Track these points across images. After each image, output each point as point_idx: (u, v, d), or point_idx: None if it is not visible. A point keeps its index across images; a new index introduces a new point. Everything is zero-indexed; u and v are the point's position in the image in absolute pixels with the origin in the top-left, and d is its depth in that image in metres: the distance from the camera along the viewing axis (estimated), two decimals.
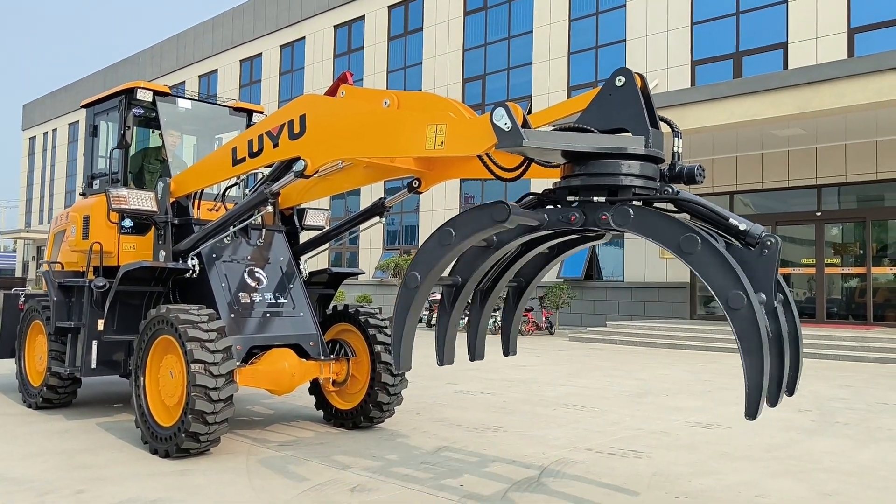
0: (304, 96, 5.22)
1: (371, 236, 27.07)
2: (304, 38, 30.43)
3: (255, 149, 5.41)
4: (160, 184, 6.24)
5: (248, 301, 6.06)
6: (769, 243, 3.50)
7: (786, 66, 17.65)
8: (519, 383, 9.43)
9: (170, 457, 5.24)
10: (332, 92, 5.35)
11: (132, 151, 7.04)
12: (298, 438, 6.06)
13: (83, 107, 7.37)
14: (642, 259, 19.47)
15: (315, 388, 6.74)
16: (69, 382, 6.94)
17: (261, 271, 6.34)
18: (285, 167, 5.43)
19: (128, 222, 6.56)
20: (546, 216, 3.91)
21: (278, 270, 6.47)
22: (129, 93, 6.71)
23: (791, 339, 3.64)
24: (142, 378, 5.63)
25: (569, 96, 21.82)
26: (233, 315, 5.88)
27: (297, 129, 5.06)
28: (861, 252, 16.95)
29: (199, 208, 6.50)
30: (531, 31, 22.99)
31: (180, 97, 6.96)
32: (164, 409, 5.49)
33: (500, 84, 23.82)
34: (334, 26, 29.23)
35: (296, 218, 7.03)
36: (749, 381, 3.28)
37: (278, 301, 6.24)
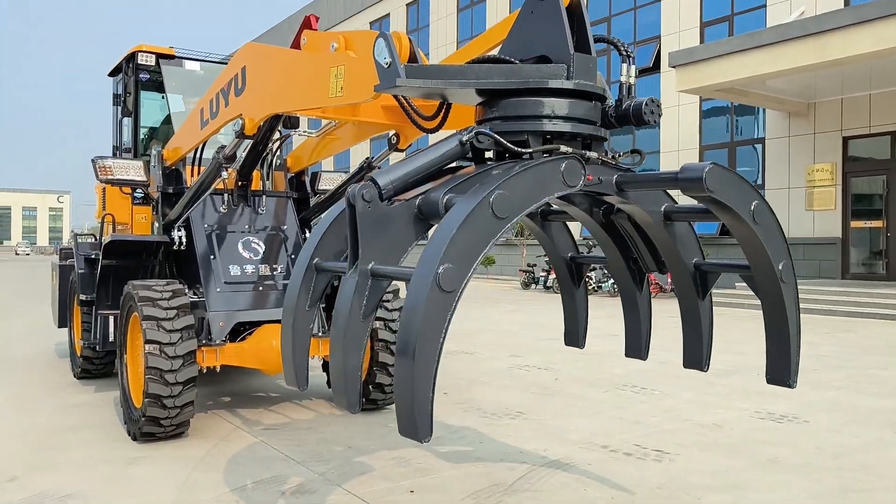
0: (245, 46, 4.61)
1: None
2: None
3: (214, 109, 4.92)
4: (153, 151, 5.96)
5: (238, 273, 5.66)
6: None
7: None
8: (593, 357, 8.48)
9: (137, 440, 4.99)
10: (296, 41, 4.71)
11: (150, 120, 6.84)
12: (292, 421, 5.63)
13: (108, 75, 7.26)
14: (785, 211, 17.30)
15: (325, 364, 6.28)
16: (103, 354, 6.96)
17: (258, 241, 5.91)
18: None
19: (139, 192, 6.37)
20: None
21: (279, 240, 6.01)
22: (133, 57, 6.47)
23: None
24: (125, 355, 5.43)
25: (701, 34, 19.70)
26: (219, 289, 5.50)
27: (240, 84, 4.50)
28: None
29: (195, 175, 6.15)
30: None
31: (187, 58, 6.63)
32: (139, 389, 5.25)
33: (628, 25, 21.98)
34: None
35: (307, 182, 6.53)
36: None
37: (273, 273, 5.79)
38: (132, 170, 5.85)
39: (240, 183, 5.99)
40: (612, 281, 17.89)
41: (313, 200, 6.52)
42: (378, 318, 5.64)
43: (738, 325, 11.50)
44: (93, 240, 7.19)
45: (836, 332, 11.03)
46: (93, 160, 5.87)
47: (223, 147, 4.97)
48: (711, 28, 19.58)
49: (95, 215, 6.94)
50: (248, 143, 5.38)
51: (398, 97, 3.37)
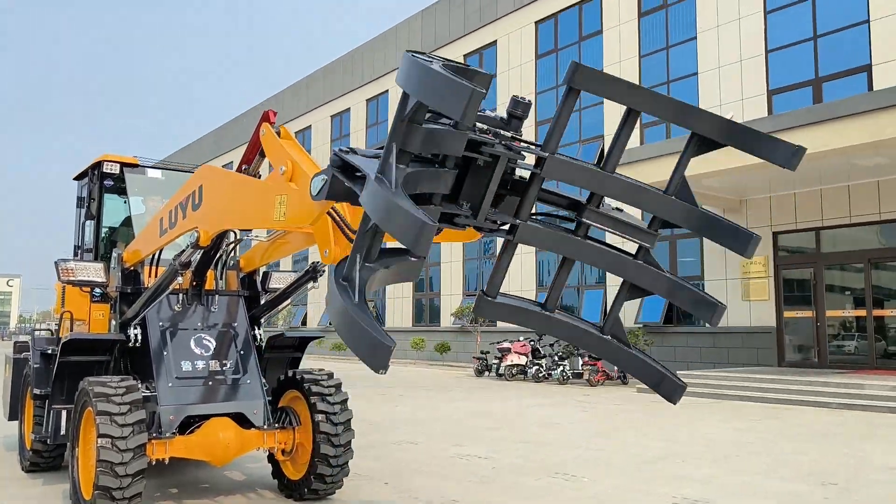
0: (202, 167, 5.21)
1: (451, 281, 27.00)
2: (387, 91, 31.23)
3: (173, 219, 5.43)
4: (114, 254, 6.40)
5: (189, 369, 6.03)
6: None
7: (870, 89, 16.20)
8: (533, 445, 8.89)
9: None
10: (255, 133, 5.18)
11: (111, 221, 7.29)
12: None
13: (73, 179, 7.75)
14: (724, 300, 18.16)
15: (270, 455, 6.59)
16: (53, 447, 7.14)
17: (209, 338, 6.31)
18: None
19: (98, 290, 6.75)
20: None
21: (230, 336, 6.42)
22: (98, 166, 6.98)
23: None
24: (76, 448, 5.70)
25: (641, 136, 21.00)
26: (170, 384, 5.85)
27: (196, 200, 5.04)
28: None
29: (153, 276, 6.59)
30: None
31: (149, 167, 7.17)
32: (90, 481, 5.50)
33: (573, 125, 23.32)
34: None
35: (258, 281, 7.00)
36: None
37: (223, 368, 6.18)
38: (93, 271, 6.27)
39: (194, 283, 6.43)
40: (560, 369, 18.39)
41: (264, 298, 6.98)
42: (319, 412, 6.01)
43: (680, 411, 12.03)
44: (48, 335, 7.49)
45: (765, 418, 11.62)
46: (55, 262, 6.29)
47: (181, 252, 5.45)
48: (650, 129, 20.94)
49: (54, 311, 7.27)
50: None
51: (331, 213, 3.94)
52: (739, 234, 3.65)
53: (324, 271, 6.40)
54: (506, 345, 19.92)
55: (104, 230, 7.33)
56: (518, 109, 3.37)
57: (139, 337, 6.05)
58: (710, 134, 3.47)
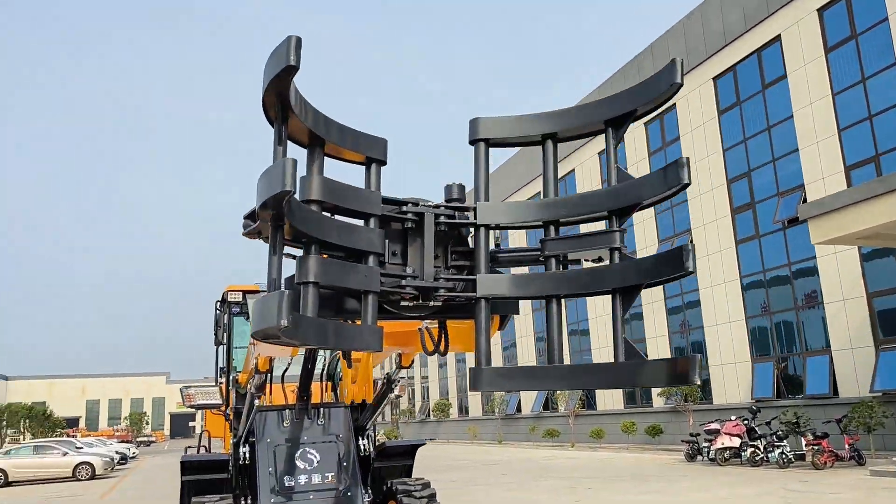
0: None
1: (658, 355, 25.47)
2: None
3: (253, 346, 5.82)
4: (231, 376, 6.96)
5: (292, 484, 6.27)
6: None
7: None
8: None
9: None
10: None
11: (243, 344, 7.97)
12: None
13: (214, 307, 8.63)
14: None
15: None
16: None
17: (314, 451, 6.53)
18: None
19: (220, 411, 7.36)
20: None
21: (334, 449, 6.61)
22: (225, 296, 7.73)
23: None
24: None
25: (847, 178, 18.80)
26: (273, 500, 6.12)
27: None
28: None
29: (270, 393, 7.02)
30: (791, 116, 20.64)
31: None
32: None
33: (769, 177, 21.52)
34: (598, 152, 29.56)
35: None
36: None
37: (325, 482, 6.34)
38: (210, 395, 6.85)
39: (304, 398, 6.76)
40: (779, 451, 16.37)
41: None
42: None
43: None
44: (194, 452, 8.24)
45: None
46: (181, 389, 6.99)
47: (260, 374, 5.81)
48: (857, 171, 18.71)
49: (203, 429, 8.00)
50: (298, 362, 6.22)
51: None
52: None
53: (399, 380, 6.44)
54: (713, 426, 18.22)
55: (239, 351, 8.02)
56: (454, 194, 3.42)
57: (246, 455, 6.44)
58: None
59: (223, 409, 6.98)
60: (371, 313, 3.35)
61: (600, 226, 3.52)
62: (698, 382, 2.60)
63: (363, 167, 3.56)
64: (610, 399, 28.49)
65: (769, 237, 21.45)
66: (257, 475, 6.30)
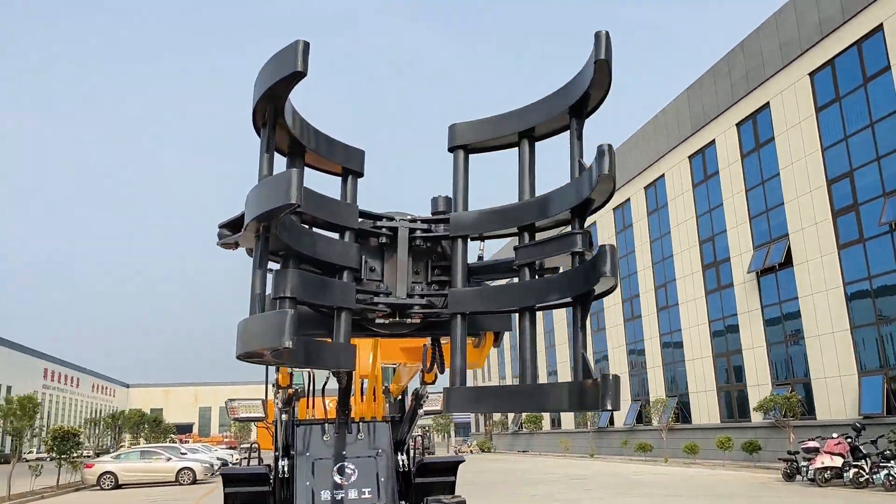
0: None
1: (756, 368, 24.22)
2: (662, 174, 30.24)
3: None
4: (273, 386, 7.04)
5: (328, 498, 6.26)
6: None
7: None
8: None
9: None
10: None
11: None
12: None
13: None
14: None
15: None
16: None
17: (352, 466, 6.50)
18: None
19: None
20: None
21: (373, 464, 6.56)
22: None
23: None
24: None
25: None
26: None
27: None
28: None
29: (311, 406, 7.05)
30: None
31: None
32: None
33: (872, 178, 20.05)
34: (688, 157, 28.50)
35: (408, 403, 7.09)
36: None
37: (362, 497, 6.30)
38: (253, 409, 6.95)
39: (343, 412, 6.76)
40: (886, 472, 15.12)
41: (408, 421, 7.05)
42: None
43: None
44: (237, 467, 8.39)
45: None
46: (226, 402, 7.13)
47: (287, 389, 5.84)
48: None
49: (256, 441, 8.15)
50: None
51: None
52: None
53: (426, 396, 6.31)
54: (811, 444, 17.07)
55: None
56: (440, 207, 3.41)
57: (285, 468, 6.48)
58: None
59: (266, 422, 7.06)
60: (344, 330, 3.24)
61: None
62: (609, 408, 2.34)
63: (339, 178, 3.50)
64: (706, 413, 27.25)
65: (874, 241, 19.97)
66: (295, 489, 6.34)
